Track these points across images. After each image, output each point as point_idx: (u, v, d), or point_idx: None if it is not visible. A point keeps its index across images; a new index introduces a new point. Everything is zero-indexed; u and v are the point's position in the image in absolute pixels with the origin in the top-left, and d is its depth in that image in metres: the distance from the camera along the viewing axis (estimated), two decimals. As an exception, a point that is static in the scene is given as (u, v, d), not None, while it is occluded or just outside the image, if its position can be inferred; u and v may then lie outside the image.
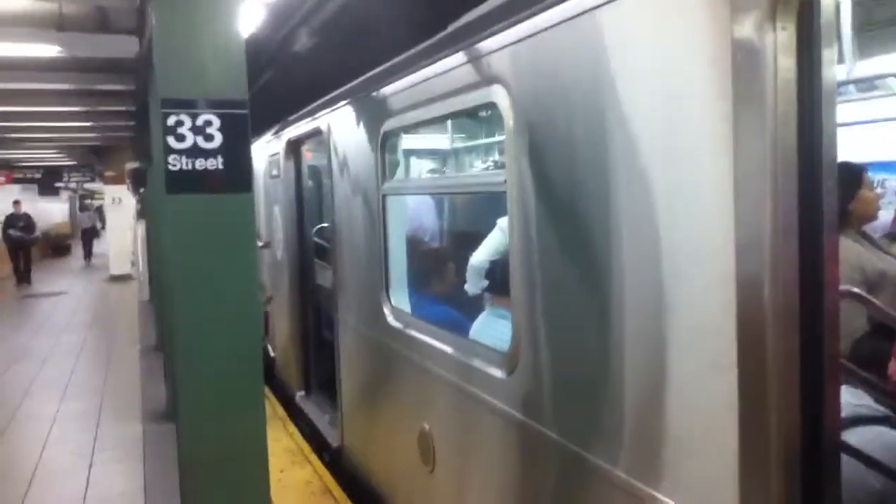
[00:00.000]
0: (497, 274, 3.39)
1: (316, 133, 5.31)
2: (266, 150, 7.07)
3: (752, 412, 1.56)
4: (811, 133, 1.47)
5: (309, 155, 6.47)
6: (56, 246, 27.72)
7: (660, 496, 1.83)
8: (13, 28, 5.20)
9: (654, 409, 1.86)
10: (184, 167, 2.90)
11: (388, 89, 3.75)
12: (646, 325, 1.87)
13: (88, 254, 24.73)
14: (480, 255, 4.26)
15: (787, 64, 1.45)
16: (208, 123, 2.93)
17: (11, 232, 18.28)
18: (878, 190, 4.10)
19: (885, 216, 3.92)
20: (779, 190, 1.46)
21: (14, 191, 21.40)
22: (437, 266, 4.46)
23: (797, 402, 1.49)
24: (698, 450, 1.71)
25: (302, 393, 6.36)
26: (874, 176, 3.92)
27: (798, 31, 1.44)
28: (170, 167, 2.89)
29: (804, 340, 1.50)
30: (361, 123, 4.21)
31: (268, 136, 7.11)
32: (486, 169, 5.92)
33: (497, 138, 6.59)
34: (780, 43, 1.44)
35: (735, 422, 1.59)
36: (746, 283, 1.54)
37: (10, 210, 19.02)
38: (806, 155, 1.47)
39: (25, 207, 19.29)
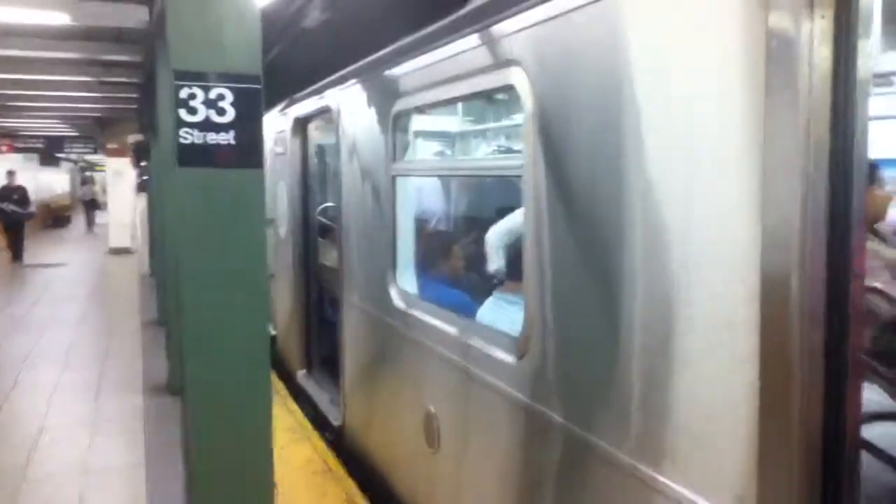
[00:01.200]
0: (511, 258, 3.37)
1: (324, 111, 5.27)
2: (272, 127, 7.02)
3: (772, 405, 1.55)
4: (844, 127, 1.44)
5: (316, 133, 6.43)
6: (56, 217, 27.76)
7: (673, 485, 1.82)
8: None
9: (669, 397, 1.85)
10: (195, 141, 2.88)
11: (401, 69, 3.71)
12: (663, 314, 1.86)
13: (90, 222, 26.18)
14: (500, 229, 4.03)
15: (823, 54, 1.42)
16: (221, 97, 2.90)
17: (4, 206, 16.53)
18: (888, 188, 4.06)
19: (892, 213, 3.90)
20: (809, 183, 1.43)
21: (16, 160, 21.22)
22: (445, 249, 4.44)
23: (820, 396, 1.48)
24: (715, 440, 1.71)
25: (303, 371, 6.37)
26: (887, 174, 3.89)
27: (836, 19, 1.42)
28: (181, 140, 2.86)
29: (828, 335, 1.48)
30: (372, 103, 4.18)
31: (274, 112, 7.06)
32: (495, 153, 5.89)
33: (505, 122, 6.55)
34: (818, 32, 1.41)
35: (754, 414, 1.59)
36: (771, 276, 1.52)
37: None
38: (838, 149, 1.45)
39: (26, 178, 18.79)
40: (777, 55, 1.48)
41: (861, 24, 1.43)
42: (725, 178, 1.65)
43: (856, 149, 1.46)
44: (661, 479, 1.88)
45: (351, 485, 4.40)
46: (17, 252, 16.65)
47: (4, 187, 16.99)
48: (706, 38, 1.72)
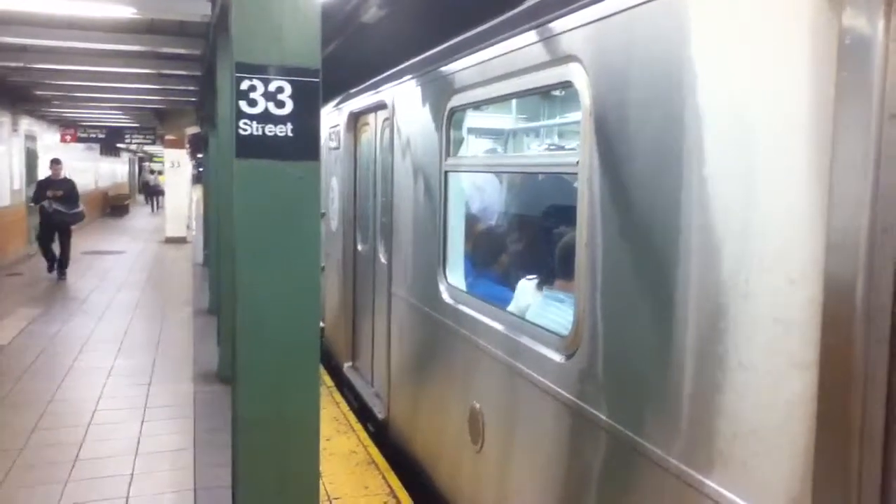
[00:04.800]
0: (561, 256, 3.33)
1: (380, 106, 5.31)
2: (327, 122, 7.10)
3: (831, 411, 1.51)
4: (919, 127, 1.40)
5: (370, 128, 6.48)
6: (114, 206, 28.55)
7: (723, 490, 1.79)
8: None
9: (722, 400, 1.82)
10: (254, 132, 2.92)
11: (457, 65, 3.72)
12: (719, 316, 1.83)
13: (154, 206, 31.80)
14: None
15: (899, 52, 1.37)
16: (280, 90, 2.95)
17: (46, 204, 12.46)
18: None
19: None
20: (881, 186, 1.39)
21: (76, 149, 21.74)
22: (495, 246, 4.43)
23: (882, 403, 1.43)
24: (769, 446, 1.67)
25: (349, 364, 6.43)
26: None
27: (914, 18, 1.37)
28: (240, 131, 2.91)
29: (894, 340, 1.44)
30: (427, 98, 4.19)
31: (329, 107, 7.14)
32: (549, 149, 5.85)
33: (559, 120, 6.50)
34: (894, 30, 1.37)
35: (811, 420, 1.55)
36: (836, 278, 1.48)
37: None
38: (912, 150, 1.40)
39: (84, 167, 17.57)
40: (849, 54, 1.44)
41: (940, 22, 1.38)
42: (790, 177, 1.61)
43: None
44: (711, 483, 1.84)
45: (394, 478, 4.43)
46: (54, 262, 12.76)
47: (46, 180, 13.00)
48: (774, 35, 1.68)
